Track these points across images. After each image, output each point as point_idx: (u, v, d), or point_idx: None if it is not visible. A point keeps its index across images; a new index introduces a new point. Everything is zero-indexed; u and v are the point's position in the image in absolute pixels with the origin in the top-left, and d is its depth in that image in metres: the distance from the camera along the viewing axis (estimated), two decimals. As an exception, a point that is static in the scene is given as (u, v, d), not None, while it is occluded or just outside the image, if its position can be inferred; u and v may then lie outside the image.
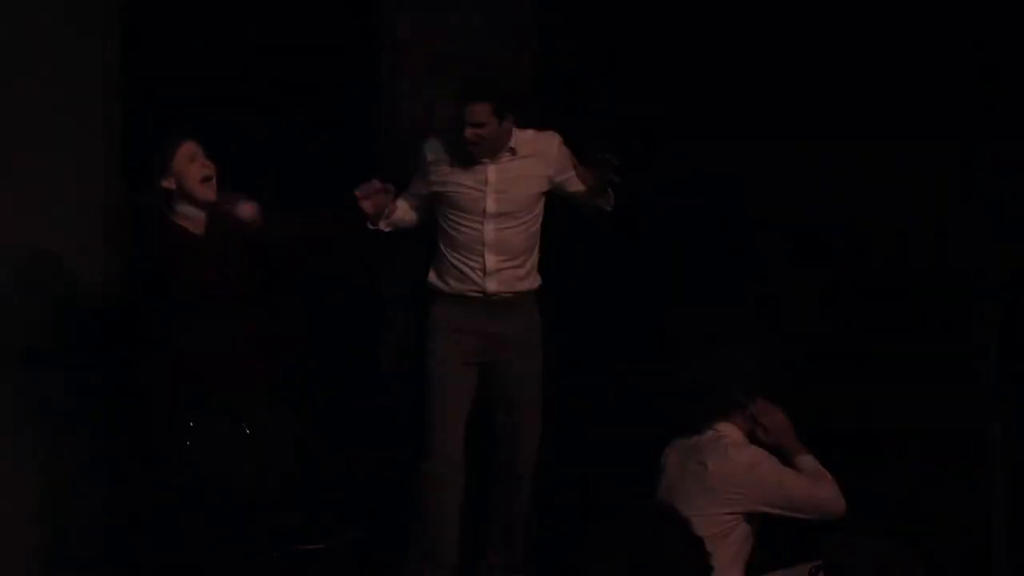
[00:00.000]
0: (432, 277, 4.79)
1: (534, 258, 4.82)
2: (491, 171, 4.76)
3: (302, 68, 5.47)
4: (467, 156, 4.71)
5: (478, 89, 4.74)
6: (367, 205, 4.64)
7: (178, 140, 4.45)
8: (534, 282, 4.83)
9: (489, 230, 4.72)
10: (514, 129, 4.80)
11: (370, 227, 4.73)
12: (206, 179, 4.42)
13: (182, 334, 4.43)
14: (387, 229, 4.81)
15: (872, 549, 3.50)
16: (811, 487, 4.07)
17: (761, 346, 4.31)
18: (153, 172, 4.47)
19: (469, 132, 4.67)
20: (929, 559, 3.53)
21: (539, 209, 4.80)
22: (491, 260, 4.72)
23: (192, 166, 4.43)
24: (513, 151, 4.77)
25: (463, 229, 4.73)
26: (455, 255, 4.74)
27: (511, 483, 4.80)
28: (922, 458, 4.87)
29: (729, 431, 4.13)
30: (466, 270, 4.72)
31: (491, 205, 4.75)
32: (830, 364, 4.98)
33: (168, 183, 4.41)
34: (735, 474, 4.03)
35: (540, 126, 4.96)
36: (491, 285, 4.73)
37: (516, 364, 4.79)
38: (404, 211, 4.87)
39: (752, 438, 4.15)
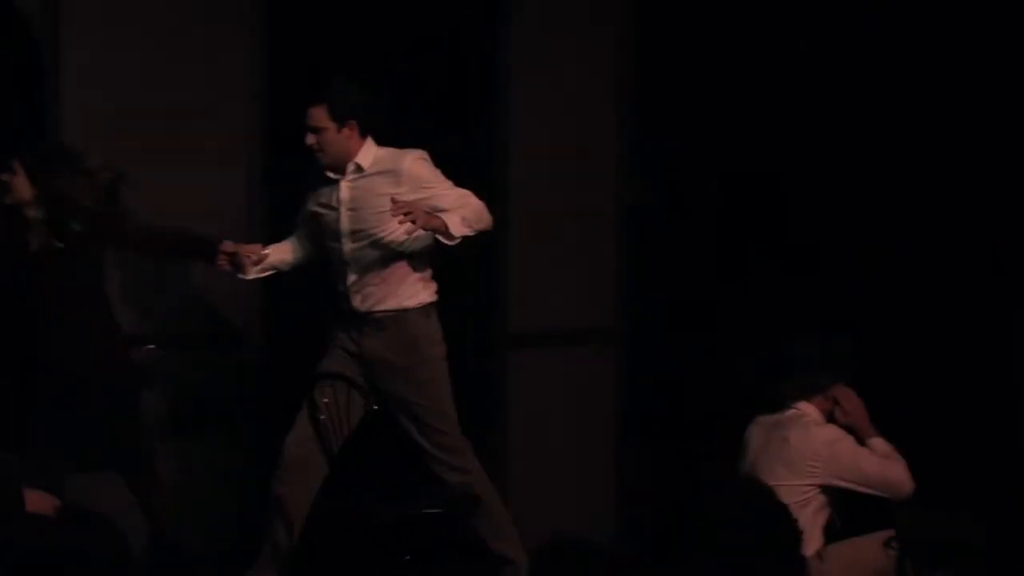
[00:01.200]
0: None
1: (410, 275, 4.67)
2: (343, 188, 4.66)
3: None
4: (326, 176, 4.67)
5: (315, 93, 4.65)
6: (224, 266, 4.70)
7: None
8: (411, 299, 4.67)
9: (347, 248, 4.63)
10: (371, 146, 4.66)
11: (241, 277, 4.75)
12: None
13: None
14: (258, 275, 4.79)
15: (944, 524, 3.82)
16: (884, 466, 4.33)
17: (849, 336, 4.54)
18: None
19: (309, 137, 4.59)
20: (996, 536, 3.82)
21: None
22: (351, 278, 4.63)
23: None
24: (359, 167, 4.65)
25: (330, 247, 4.69)
26: (333, 274, 4.72)
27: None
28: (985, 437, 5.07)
29: (809, 410, 4.41)
30: (338, 288, 4.68)
31: (344, 223, 4.65)
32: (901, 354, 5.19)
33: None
34: (815, 449, 4.30)
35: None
36: (355, 302, 4.64)
37: (388, 383, 4.67)
38: (284, 252, 4.83)
39: (829, 418, 4.43)
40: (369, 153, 4.62)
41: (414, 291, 4.64)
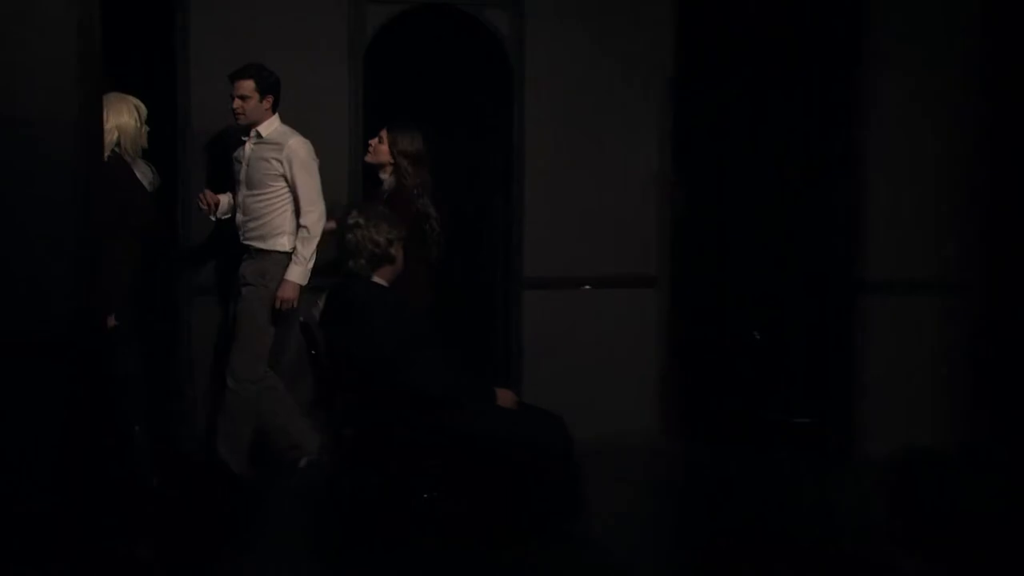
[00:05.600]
0: None
1: (271, 225, 5.40)
2: (247, 148, 5.46)
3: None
4: (241, 137, 5.46)
5: (245, 69, 5.34)
6: (202, 206, 5.56)
7: None
8: (272, 243, 5.44)
9: (241, 194, 5.50)
10: (276, 120, 5.42)
11: (211, 219, 5.61)
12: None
13: None
14: (217, 217, 5.60)
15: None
16: None
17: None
18: None
19: (236, 103, 5.33)
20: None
21: (278, 189, 5.39)
22: (240, 217, 5.51)
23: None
24: (259, 134, 5.39)
25: (235, 192, 5.56)
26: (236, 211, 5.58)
27: None
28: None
29: None
30: (236, 222, 5.54)
31: (242, 174, 5.48)
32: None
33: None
34: None
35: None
36: (241, 235, 5.50)
37: (241, 296, 5.45)
38: (229, 198, 5.61)
39: None
40: (272, 125, 5.45)
41: (276, 238, 5.47)
